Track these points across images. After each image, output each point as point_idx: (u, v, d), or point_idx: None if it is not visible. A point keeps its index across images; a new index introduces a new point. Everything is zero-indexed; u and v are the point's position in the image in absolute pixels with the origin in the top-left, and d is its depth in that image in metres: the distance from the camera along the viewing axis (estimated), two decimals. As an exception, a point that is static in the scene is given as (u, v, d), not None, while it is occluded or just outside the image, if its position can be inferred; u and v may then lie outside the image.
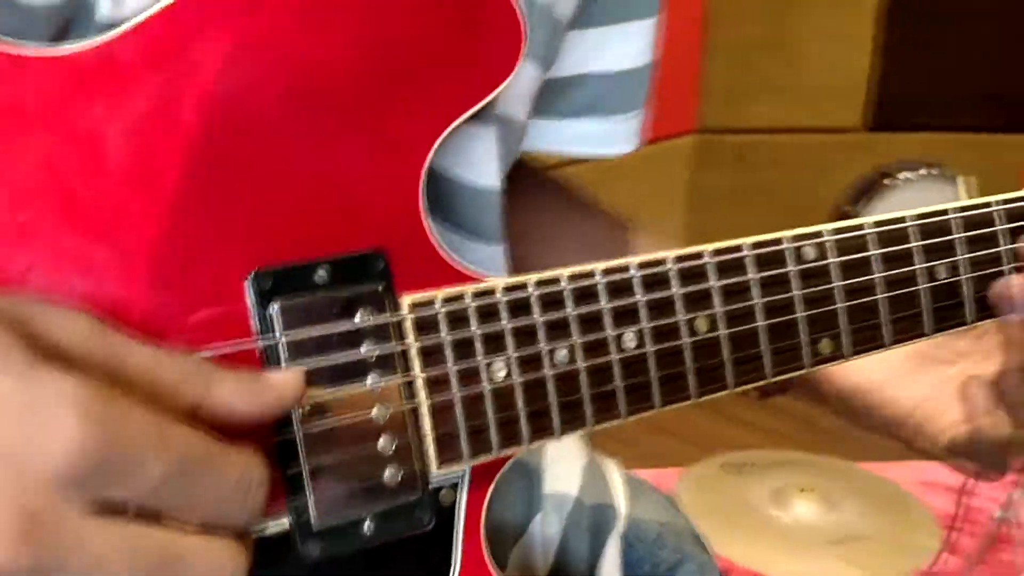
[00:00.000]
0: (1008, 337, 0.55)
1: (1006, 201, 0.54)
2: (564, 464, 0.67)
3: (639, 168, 3.18)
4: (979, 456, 0.55)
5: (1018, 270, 0.53)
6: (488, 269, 0.51)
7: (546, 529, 0.64)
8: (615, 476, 0.70)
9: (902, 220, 0.52)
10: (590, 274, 0.46)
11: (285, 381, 0.39)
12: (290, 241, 0.43)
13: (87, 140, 0.40)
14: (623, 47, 0.67)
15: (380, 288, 0.43)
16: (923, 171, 3.44)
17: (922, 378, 0.60)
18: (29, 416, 0.31)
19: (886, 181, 3.41)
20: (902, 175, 3.41)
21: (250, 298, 0.42)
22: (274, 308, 0.41)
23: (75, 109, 0.40)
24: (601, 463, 0.70)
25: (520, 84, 0.56)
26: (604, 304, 0.46)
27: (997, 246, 0.53)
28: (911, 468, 2.58)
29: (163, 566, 0.33)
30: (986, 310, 0.54)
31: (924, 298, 0.52)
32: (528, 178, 0.71)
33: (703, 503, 2.33)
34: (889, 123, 3.55)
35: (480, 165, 0.54)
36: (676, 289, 0.47)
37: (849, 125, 3.55)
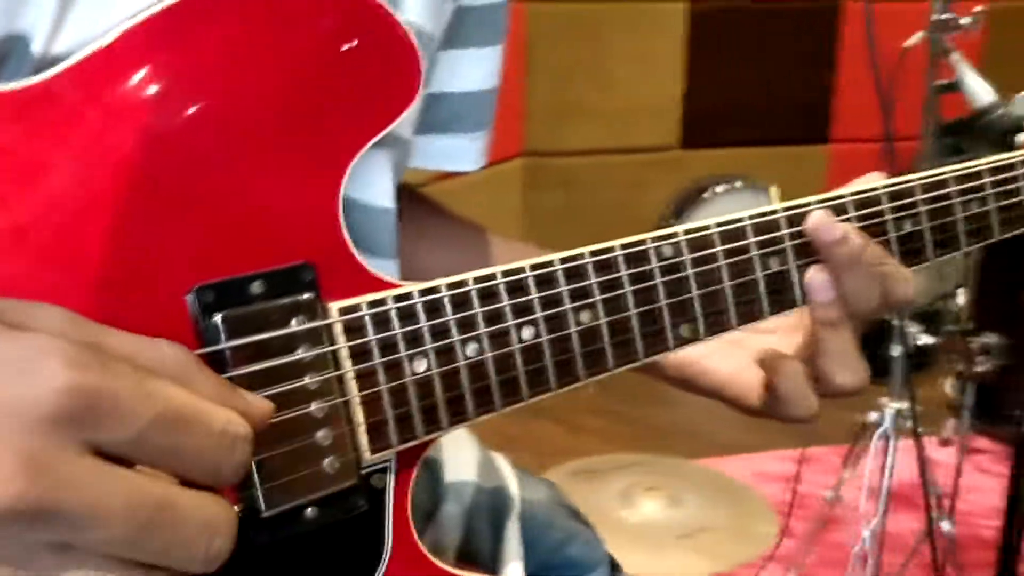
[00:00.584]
0: (807, 318, 0.64)
1: (820, 202, 0.64)
2: (461, 455, 0.74)
3: (473, 192, 3.26)
4: (780, 416, 0.63)
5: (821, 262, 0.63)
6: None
7: (451, 516, 0.71)
8: (505, 464, 0.77)
9: (740, 220, 0.61)
10: (492, 276, 0.52)
11: (257, 403, 0.43)
12: (226, 259, 0.47)
13: (30, 173, 0.44)
14: (476, 69, 0.75)
15: (311, 297, 0.49)
16: (736, 183, 3.70)
17: (734, 352, 0.67)
18: (19, 366, 0.34)
19: (704, 195, 3.65)
20: (717, 188, 3.66)
21: (193, 312, 0.46)
22: (217, 319, 0.46)
23: (18, 143, 0.44)
24: (490, 454, 0.77)
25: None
26: (505, 301, 0.53)
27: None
28: (744, 461, 2.76)
29: (158, 513, 0.35)
30: None
31: (761, 285, 0.61)
32: (421, 201, 0.77)
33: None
34: (700, 140, 3.79)
35: (376, 186, 0.60)
36: (563, 286, 0.54)
37: (664, 143, 3.76)
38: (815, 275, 0.61)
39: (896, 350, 1.76)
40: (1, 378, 0.34)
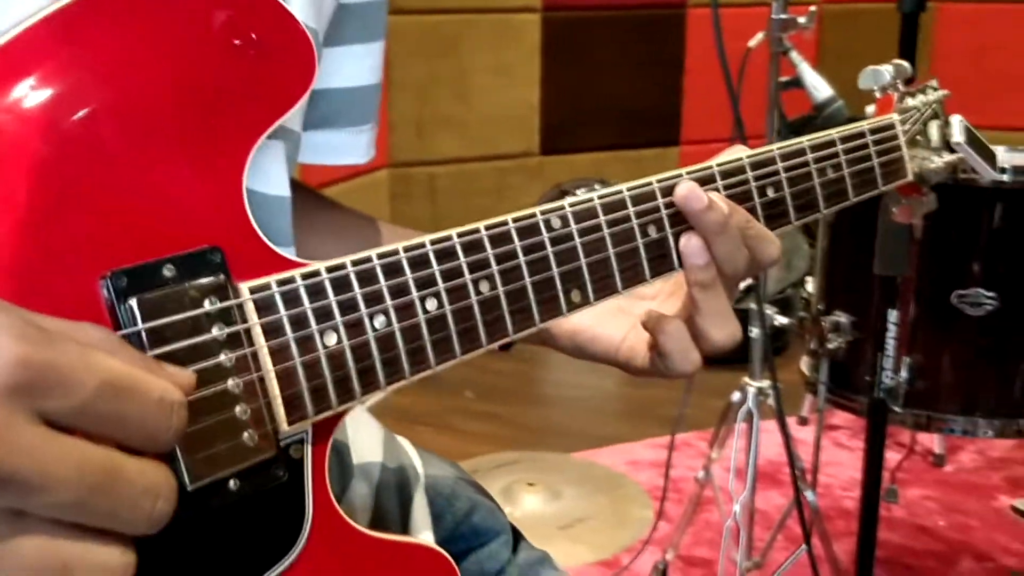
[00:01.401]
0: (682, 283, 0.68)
1: (689, 172, 0.69)
2: (365, 437, 0.75)
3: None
4: (668, 372, 0.67)
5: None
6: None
7: (360, 493, 0.72)
8: (408, 444, 0.79)
9: (619, 192, 0.65)
10: (395, 252, 0.55)
11: (181, 375, 0.45)
12: (136, 247, 0.49)
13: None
14: (358, 65, 0.77)
15: (221, 278, 0.50)
16: (595, 186, 3.79)
17: (621, 318, 0.71)
18: None
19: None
20: (579, 191, 3.74)
21: (108, 297, 0.47)
22: (132, 302, 0.47)
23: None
24: (394, 435, 0.79)
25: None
26: (409, 275, 0.55)
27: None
28: (617, 451, 2.85)
29: (105, 477, 0.37)
30: None
31: (642, 252, 0.66)
32: (311, 193, 0.79)
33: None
34: (559, 146, 3.88)
35: (272, 176, 0.62)
36: (462, 259, 0.57)
37: (525, 150, 3.84)
38: (688, 241, 0.66)
39: (755, 332, 1.86)
40: None
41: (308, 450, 0.53)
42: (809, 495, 1.99)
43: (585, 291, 0.63)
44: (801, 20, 1.72)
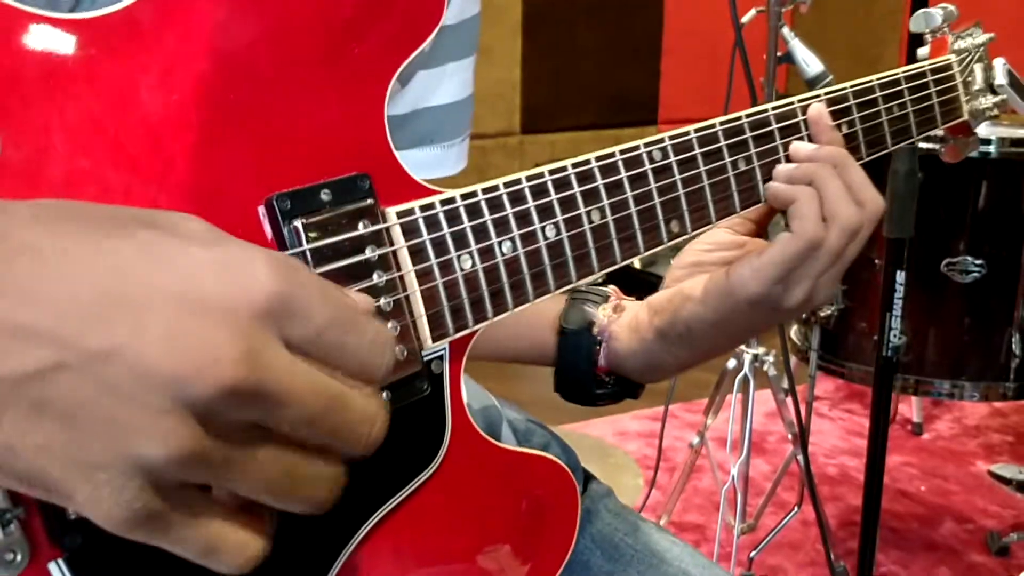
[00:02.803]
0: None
1: (776, 107, 0.72)
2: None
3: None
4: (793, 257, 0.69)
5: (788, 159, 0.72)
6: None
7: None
8: (481, 387, 0.82)
9: (712, 126, 0.69)
10: (518, 181, 0.58)
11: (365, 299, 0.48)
12: (295, 170, 0.51)
13: (118, 94, 0.47)
14: (454, 82, 0.79)
15: (371, 203, 0.53)
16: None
17: (708, 269, 0.75)
18: (231, 271, 0.38)
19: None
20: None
21: (272, 218, 0.50)
22: (297, 224, 0.50)
23: (105, 66, 0.46)
24: (469, 378, 0.82)
25: None
26: (531, 203, 0.58)
27: (774, 141, 0.71)
28: (606, 423, 2.89)
29: (335, 402, 0.40)
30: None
31: (733, 183, 0.69)
32: None
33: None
34: (539, 126, 3.91)
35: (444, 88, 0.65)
36: (576, 188, 0.61)
37: (505, 129, 3.87)
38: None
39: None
40: (217, 281, 0.38)
41: (447, 366, 0.56)
42: (800, 458, 2.05)
43: (683, 221, 0.66)
44: (799, -5, 1.77)
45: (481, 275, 0.56)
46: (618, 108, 4.00)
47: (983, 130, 2.21)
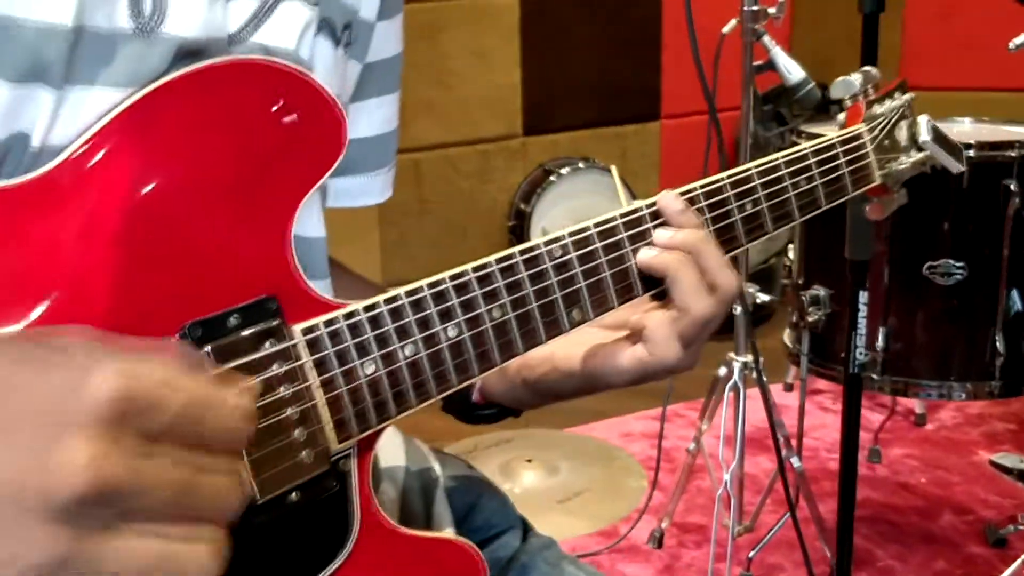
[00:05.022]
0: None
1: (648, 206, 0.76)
2: (389, 444, 0.84)
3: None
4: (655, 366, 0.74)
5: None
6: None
7: (388, 496, 0.82)
8: (425, 447, 0.88)
9: (613, 219, 0.74)
10: (419, 289, 0.64)
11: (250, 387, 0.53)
12: (208, 298, 0.57)
13: (47, 248, 0.53)
14: (377, 116, 0.85)
15: (278, 323, 0.59)
16: (579, 164, 3.88)
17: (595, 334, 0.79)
18: (75, 381, 0.43)
19: (551, 177, 3.81)
20: (562, 170, 3.83)
21: (189, 344, 0.56)
22: (207, 349, 0.56)
23: (33, 226, 0.53)
24: (413, 440, 0.88)
25: None
26: (432, 309, 0.64)
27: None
28: (610, 425, 2.95)
29: (184, 485, 0.45)
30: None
31: (632, 272, 0.74)
32: None
33: (443, 492, 2.56)
34: (541, 126, 3.95)
35: (310, 221, 0.70)
36: (476, 290, 0.66)
37: (507, 132, 3.91)
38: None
39: (738, 309, 1.95)
40: (63, 392, 0.43)
41: (354, 463, 0.62)
42: (795, 461, 2.10)
43: (584, 309, 0.72)
44: (771, 11, 1.80)
45: (384, 379, 0.62)
46: (620, 104, 4.03)
47: (967, 127, 2.24)
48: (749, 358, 1.99)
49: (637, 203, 0.75)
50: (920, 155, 1.05)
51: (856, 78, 1.05)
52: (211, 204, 0.58)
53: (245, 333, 0.58)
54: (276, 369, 0.58)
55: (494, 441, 2.77)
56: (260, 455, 0.57)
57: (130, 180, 0.55)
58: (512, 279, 0.68)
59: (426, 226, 3.82)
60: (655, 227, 0.76)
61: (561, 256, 0.71)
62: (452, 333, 0.65)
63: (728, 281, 0.74)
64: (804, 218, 0.89)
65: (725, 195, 0.81)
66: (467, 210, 3.89)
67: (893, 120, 1.03)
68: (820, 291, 2.01)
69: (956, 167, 1.10)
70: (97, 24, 0.55)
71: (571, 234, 0.72)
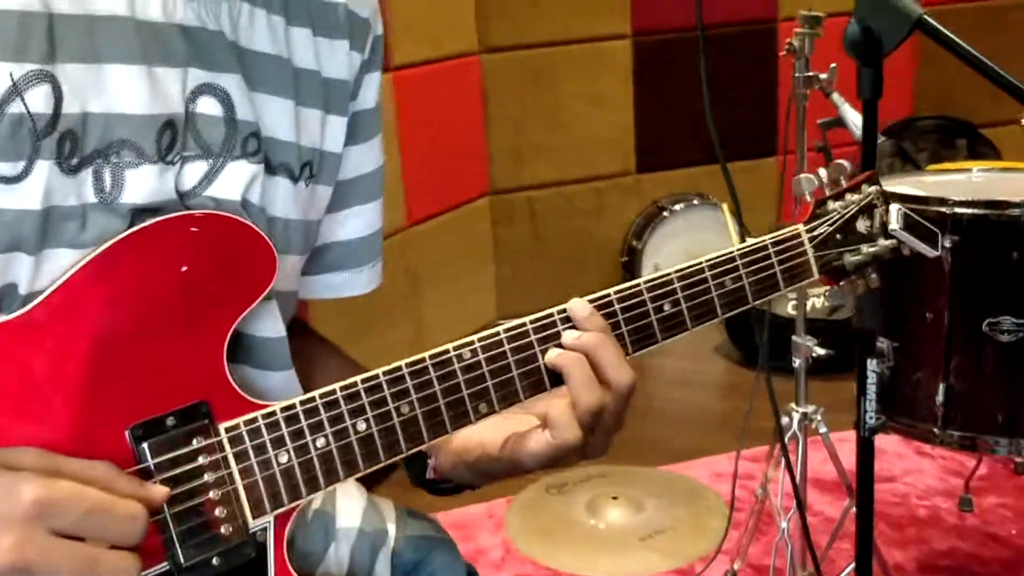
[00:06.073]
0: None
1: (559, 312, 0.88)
2: (350, 504, 0.99)
3: (446, 230, 3.55)
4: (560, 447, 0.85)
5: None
6: (284, 388, 0.83)
7: (339, 554, 0.96)
8: (390, 509, 1.02)
9: (524, 324, 0.86)
10: (333, 392, 0.78)
11: (156, 489, 0.70)
12: (151, 403, 0.73)
13: (24, 370, 0.70)
14: (359, 221, 1.00)
15: (206, 423, 0.74)
16: (693, 201, 3.94)
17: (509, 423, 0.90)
18: (12, 492, 0.62)
19: (664, 213, 3.89)
20: (675, 207, 3.90)
21: (130, 441, 0.72)
22: (145, 445, 0.72)
23: (20, 352, 0.70)
24: (378, 501, 1.02)
25: (290, 270, 0.88)
26: (344, 407, 0.78)
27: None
28: (704, 464, 3.00)
29: (92, 563, 0.63)
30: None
31: (541, 369, 0.86)
32: (304, 329, 1.03)
33: (531, 524, 2.68)
34: (655, 164, 4.04)
35: (270, 324, 0.85)
36: (387, 390, 0.80)
37: (620, 170, 4.02)
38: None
39: (796, 361, 2.00)
40: (3, 501, 0.62)
41: (270, 535, 0.76)
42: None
43: (491, 402, 0.84)
44: (823, 76, 1.86)
45: (296, 468, 0.76)
46: (735, 141, 4.06)
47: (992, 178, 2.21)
48: (810, 408, 2.04)
49: (548, 310, 0.87)
50: (888, 243, 1.12)
51: (818, 175, 1.13)
52: (157, 329, 0.74)
53: (179, 431, 0.73)
54: (202, 460, 0.73)
55: (585, 476, 2.88)
56: (185, 527, 0.72)
57: (91, 315, 0.72)
58: (421, 380, 0.81)
59: (541, 262, 3.97)
60: (564, 329, 0.87)
61: (470, 359, 0.84)
62: (361, 427, 0.79)
63: (620, 378, 0.85)
64: (730, 314, 0.98)
65: (640, 298, 0.91)
66: (581, 246, 4.02)
67: (851, 213, 1.10)
68: (884, 343, 2.04)
69: (930, 252, 1.15)
70: (67, 203, 0.72)
71: (480, 339, 0.84)
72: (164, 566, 0.72)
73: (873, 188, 1.13)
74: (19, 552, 0.61)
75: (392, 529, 0.99)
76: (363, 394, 0.79)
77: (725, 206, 3.76)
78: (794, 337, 2.01)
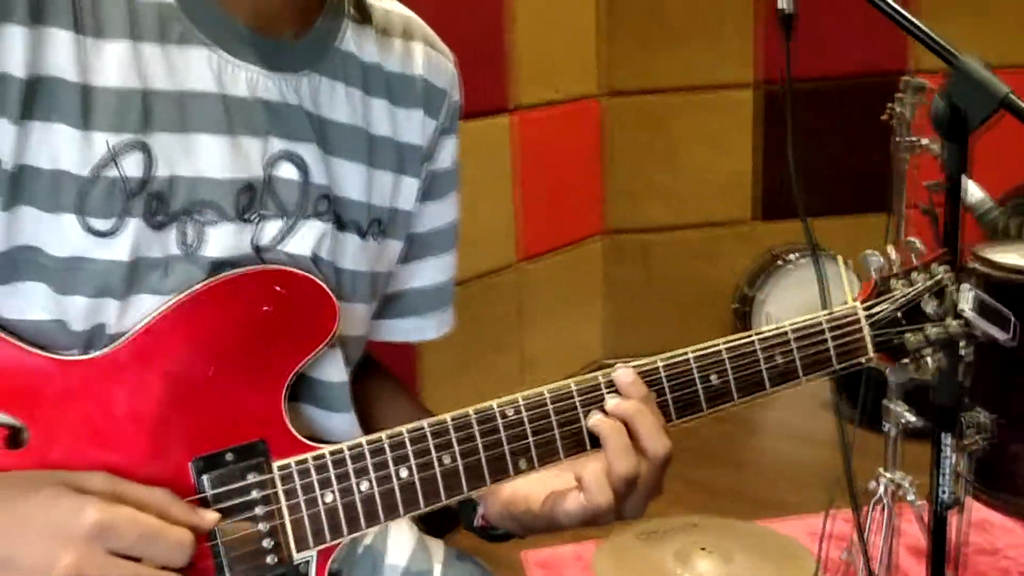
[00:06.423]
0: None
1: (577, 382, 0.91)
2: (399, 543, 1.05)
3: (558, 268, 3.62)
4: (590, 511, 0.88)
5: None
6: (345, 430, 0.90)
7: (384, 589, 1.03)
8: (439, 550, 1.07)
9: (568, 387, 0.90)
10: (379, 439, 0.84)
11: (207, 515, 0.78)
12: (215, 438, 0.81)
13: (105, 402, 0.78)
14: (432, 271, 1.07)
15: (262, 460, 0.81)
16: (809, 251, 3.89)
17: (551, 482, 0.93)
18: (75, 514, 0.70)
19: (779, 262, 3.86)
20: (791, 256, 3.86)
21: (192, 473, 0.80)
22: (204, 477, 0.80)
23: (105, 386, 0.78)
24: (429, 542, 1.07)
25: (357, 317, 0.96)
26: (388, 454, 0.84)
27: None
28: (804, 521, 2.95)
29: None
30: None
31: (583, 431, 0.90)
32: (377, 369, 1.10)
33: (618, 569, 2.69)
34: (773, 213, 4.01)
35: (333, 370, 0.93)
36: (431, 441, 0.85)
37: (738, 217, 4.00)
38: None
39: (887, 426, 1.98)
40: (64, 516, 0.70)
41: (312, 567, 0.83)
42: (953, 584, 2.06)
43: (531, 459, 0.89)
44: (924, 142, 1.85)
45: (340, 508, 0.83)
46: (857, 193, 4.00)
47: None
48: (898, 474, 2.00)
49: (592, 374, 0.91)
50: (957, 325, 1.11)
51: (885, 256, 1.14)
52: (225, 371, 0.82)
53: (236, 466, 0.81)
54: (255, 494, 0.81)
55: (678, 525, 2.87)
56: (235, 554, 0.79)
57: (168, 355, 0.80)
58: (465, 433, 0.87)
59: (651, 304, 3.98)
60: (608, 394, 0.91)
61: (513, 417, 0.89)
62: (404, 475, 0.85)
63: (656, 447, 0.89)
64: (780, 388, 1.00)
65: (687, 368, 0.95)
66: (692, 290, 4.01)
67: (917, 293, 1.10)
68: (982, 415, 1.99)
69: (1002, 336, 1.14)
70: (152, 255, 0.81)
71: (525, 398, 0.89)
72: (216, 589, 0.79)
73: (943, 268, 1.13)
74: (78, 568, 0.69)
75: (438, 570, 1.04)
76: (408, 443, 0.85)
77: (840, 258, 3.72)
78: (884, 401, 1.98)
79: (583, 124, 3.75)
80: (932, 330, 1.10)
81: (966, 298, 1.12)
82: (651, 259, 3.97)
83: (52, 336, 0.79)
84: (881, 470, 2.03)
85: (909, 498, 1.99)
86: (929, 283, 1.11)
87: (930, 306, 1.11)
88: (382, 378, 1.11)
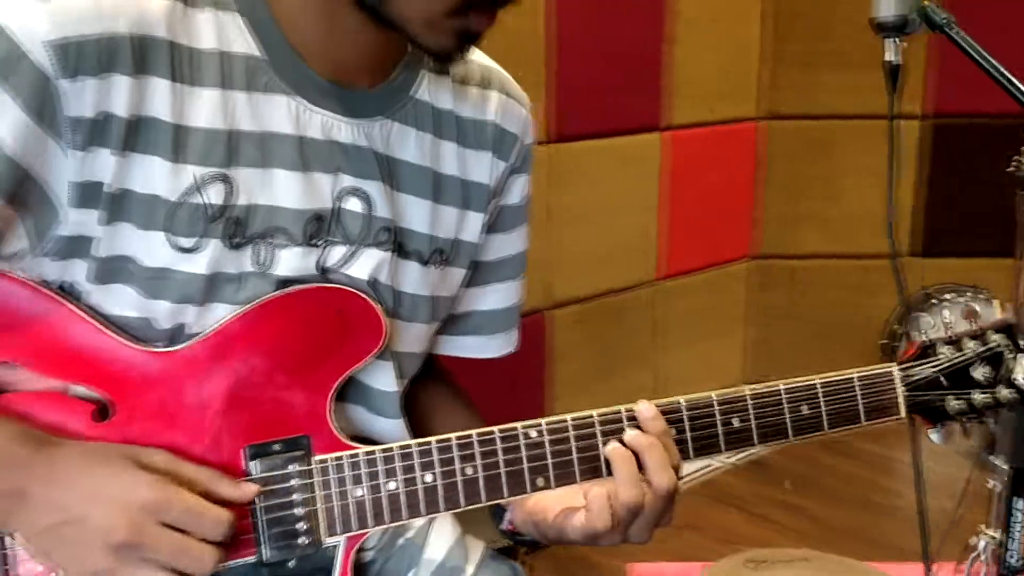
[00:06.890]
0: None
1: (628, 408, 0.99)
2: (440, 539, 1.15)
3: (702, 288, 3.65)
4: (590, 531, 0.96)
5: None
6: (392, 434, 1.01)
7: (417, 580, 1.13)
8: (477, 550, 1.16)
9: (591, 416, 0.98)
10: (409, 446, 0.94)
11: (249, 487, 0.90)
12: (265, 429, 0.93)
13: (178, 390, 0.92)
14: (496, 296, 1.17)
15: (303, 452, 0.93)
16: (967, 292, 3.76)
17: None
18: (137, 487, 0.84)
19: (932, 301, 3.74)
20: (945, 296, 3.74)
21: (243, 458, 0.93)
22: (253, 463, 0.92)
23: (180, 376, 0.92)
24: (469, 542, 1.17)
25: (415, 336, 1.07)
26: (416, 460, 0.94)
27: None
28: (918, 569, 2.87)
29: (183, 549, 0.84)
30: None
31: (600, 459, 0.98)
32: (440, 375, 1.20)
33: (720, 593, 2.70)
34: (930, 250, 3.89)
35: (383, 379, 1.04)
36: (456, 452, 0.95)
37: (896, 251, 3.90)
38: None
39: (991, 483, 1.93)
40: (125, 489, 0.84)
41: (339, 551, 0.94)
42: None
43: (548, 478, 0.97)
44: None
45: (367, 503, 0.94)
46: (990, 236, 3.83)
47: None
48: (997, 533, 1.95)
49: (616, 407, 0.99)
50: (1009, 393, 1.12)
51: (936, 319, 1.15)
52: (282, 372, 0.94)
53: (281, 456, 0.93)
54: (294, 482, 0.93)
55: (784, 557, 2.85)
56: (272, 532, 0.92)
57: (235, 354, 0.93)
58: (488, 449, 0.96)
59: (793, 331, 3.93)
60: (628, 426, 0.99)
61: (535, 438, 0.97)
62: (428, 479, 0.95)
63: (660, 481, 0.95)
64: (803, 438, 1.04)
65: (710, 409, 1.01)
66: (839, 321, 3.94)
67: (963, 360, 1.12)
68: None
69: None
70: (228, 270, 0.93)
71: (548, 423, 0.98)
72: (252, 558, 0.92)
73: (1000, 336, 1.14)
74: (133, 534, 0.83)
75: (471, 569, 1.14)
76: (434, 452, 0.95)
77: (996, 303, 3.57)
78: (991, 457, 1.93)
79: (738, 146, 3.75)
80: (979, 396, 1.11)
81: (1022, 368, 1.13)
82: (798, 286, 3.93)
83: (141, 330, 0.93)
84: (982, 527, 1.98)
85: (1012, 560, 1.93)
86: (980, 350, 1.12)
87: (980, 371, 1.12)
88: (444, 388, 1.21)
